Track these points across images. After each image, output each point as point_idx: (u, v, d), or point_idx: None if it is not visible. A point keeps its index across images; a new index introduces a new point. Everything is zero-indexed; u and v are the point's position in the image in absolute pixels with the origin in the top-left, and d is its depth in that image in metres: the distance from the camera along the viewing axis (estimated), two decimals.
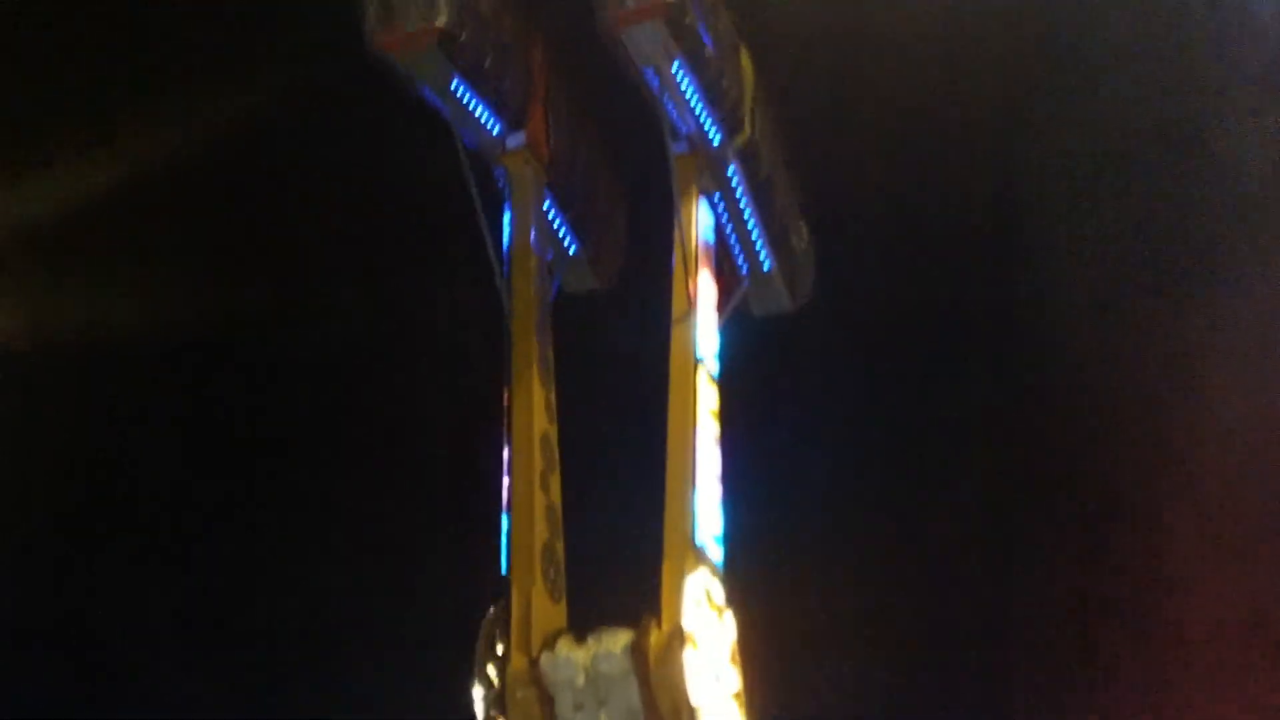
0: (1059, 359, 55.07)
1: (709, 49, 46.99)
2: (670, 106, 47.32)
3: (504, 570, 42.70)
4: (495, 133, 48.28)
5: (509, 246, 47.86)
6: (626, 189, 53.40)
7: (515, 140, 48.70)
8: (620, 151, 53.14)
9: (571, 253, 51.96)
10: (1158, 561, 52.25)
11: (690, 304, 46.57)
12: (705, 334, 46.82)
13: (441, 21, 44.80)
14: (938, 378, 56.30)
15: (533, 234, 48.00)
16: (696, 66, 46.48)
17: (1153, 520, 52.91)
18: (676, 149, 48.13)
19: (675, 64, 45.90)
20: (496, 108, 47.82)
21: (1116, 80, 53.59)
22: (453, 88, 46.35)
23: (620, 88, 47.31)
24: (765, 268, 51.06)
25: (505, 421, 44.82)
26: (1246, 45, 50.30)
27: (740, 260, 51.02)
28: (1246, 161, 51.30)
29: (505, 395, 45.29)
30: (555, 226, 50.92)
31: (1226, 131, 51.52)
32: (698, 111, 47.71)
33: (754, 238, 50.59)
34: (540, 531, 43.12)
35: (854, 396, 56.42)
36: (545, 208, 50.04)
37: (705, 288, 47.75)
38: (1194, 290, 53.54)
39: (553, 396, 45.97)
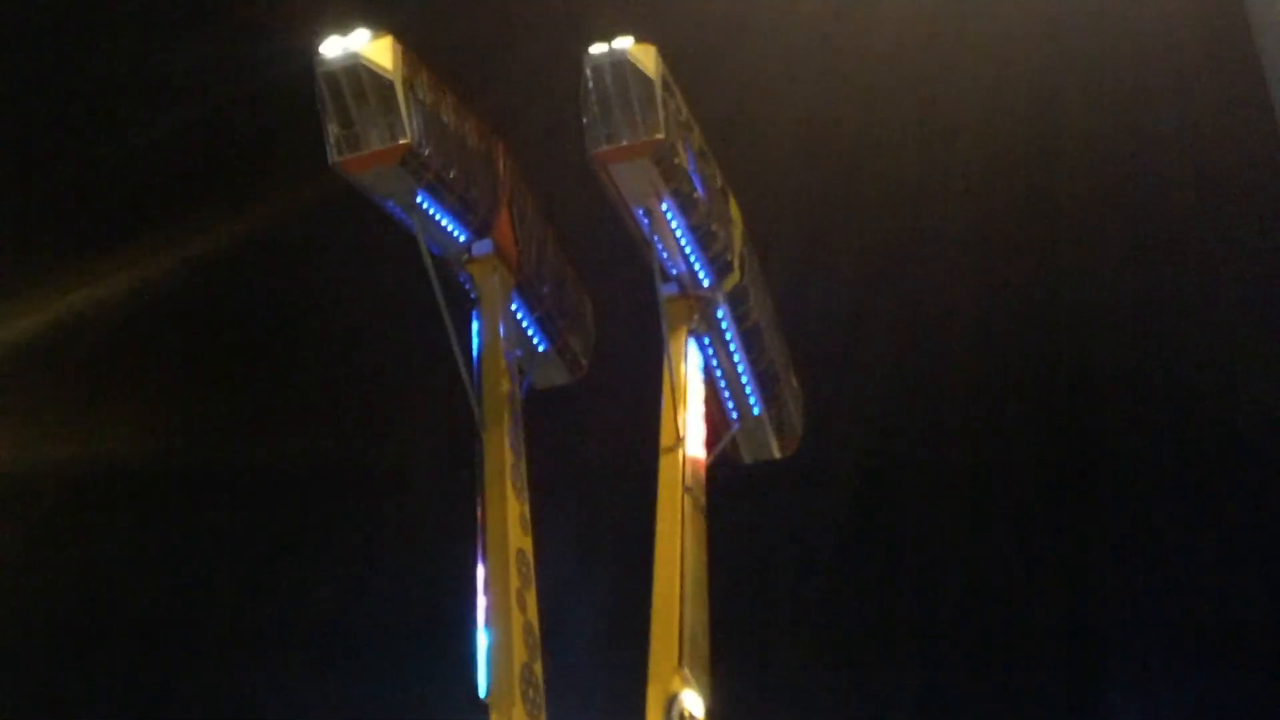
0: (1033, 510, 56.30)
1: (699, 192, 47.77)
2: (660, 247, 48.02)
3: (482, 693, 42.54)
4: (461, 241, 48.19)
5: (479, 353, 47.55)
6: (590, 284, 53.80)
7: (482, 247, 48.30)
8: (586, 245, 53.78)
9: (541, 350, 51.80)
10: None
11: (679, 437, 47.34)
12: (694, 464, 47.48)
13: (405, 140, 44.63)
14: (918, 522, 57.05)
15: (502, 340, 47.92)
16: (686, 207, 47.32)
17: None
18: (666, 290, 49.01)
19: (664, 203, 46.81)
20: (462, 217, 47.44)
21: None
22: (418, 201, 46.06)
23: (586, 186, 47.81)
24: (755, 411, 51.50)
25: (479, 537, 44.67)
26: None
27: (729, 404, 51.40)
28: None
29: (478, 508, 45.15)
30: (524, 326, 50.97)
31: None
32: (687, 252, 48.33)
33: (743, 381, 51.01)
34: (519, 653, 42.73)
35: (838, 536, 56.90)
36: (513, 308, 50.06)
37: (694, 422, 48.28)
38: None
39: (527, 509, 45.63)
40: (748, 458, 52.20)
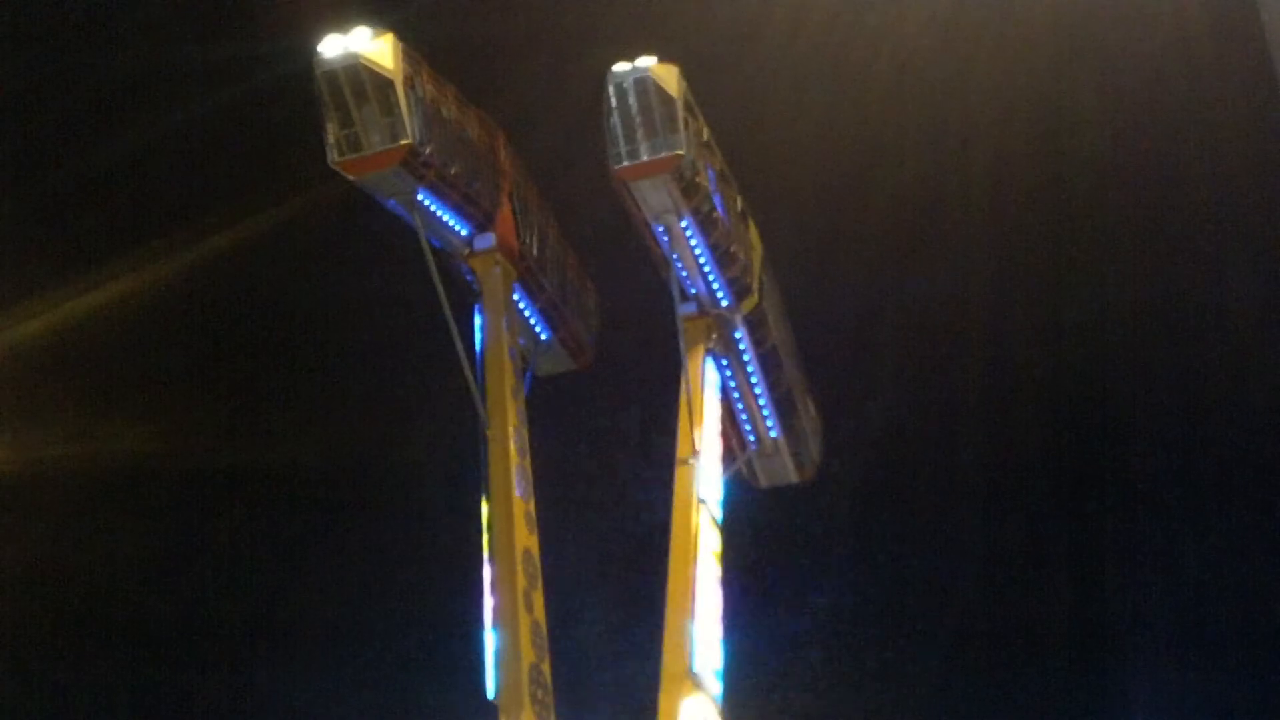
0: (1044, 512, 56.71)
1: (719, 213, 48.13)
2: (679, 265, 48.34)
3: (491, 695, 42.53)
4: (464, 235, 47.98)
5: (482, 349, 47.39)
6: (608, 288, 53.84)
7: (484, 241, 48.08)
8: (588, 230, 53.87)
9: (543, 339, 51.82)
10: None
11: (694, 450, 47.52)
12: (708, 477, 47.69)
13: (406, 140, 44.38)
14: (925, 540, 57.56)
15: (506, 337, 47.73)
16: (705, 226, 47.61)
17: None
18: (684, 310, 49.34)
19: (684, 220, 47.04)
20: (464, 212, 47.19)
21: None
22: (420, 199, 45.85)
23: (603, 193, 47.91)
24: (772, 435, 51.87)
25: (486, 537, 44.55)
26: None
27: (746, 427, 51.83)
28: None
29: (484, 508, 45.02)
30: (526, 316, 50.82)
31: None
32: (706, 271, 48.59)
33: (760, 404, 51.39)
34: (527, 653, 42.62)
35: (849, 538, 57.27)
36: (516, 298, 49.90)
37: (710, 436, 48.53)
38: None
39: (533, 508, 45.56)
40: (764, 482, 52.60)
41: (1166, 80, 48.95)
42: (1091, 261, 55.01)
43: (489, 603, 43.45)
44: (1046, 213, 54.95)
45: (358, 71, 44.01)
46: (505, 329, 47.74)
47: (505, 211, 49.04)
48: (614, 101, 45.21)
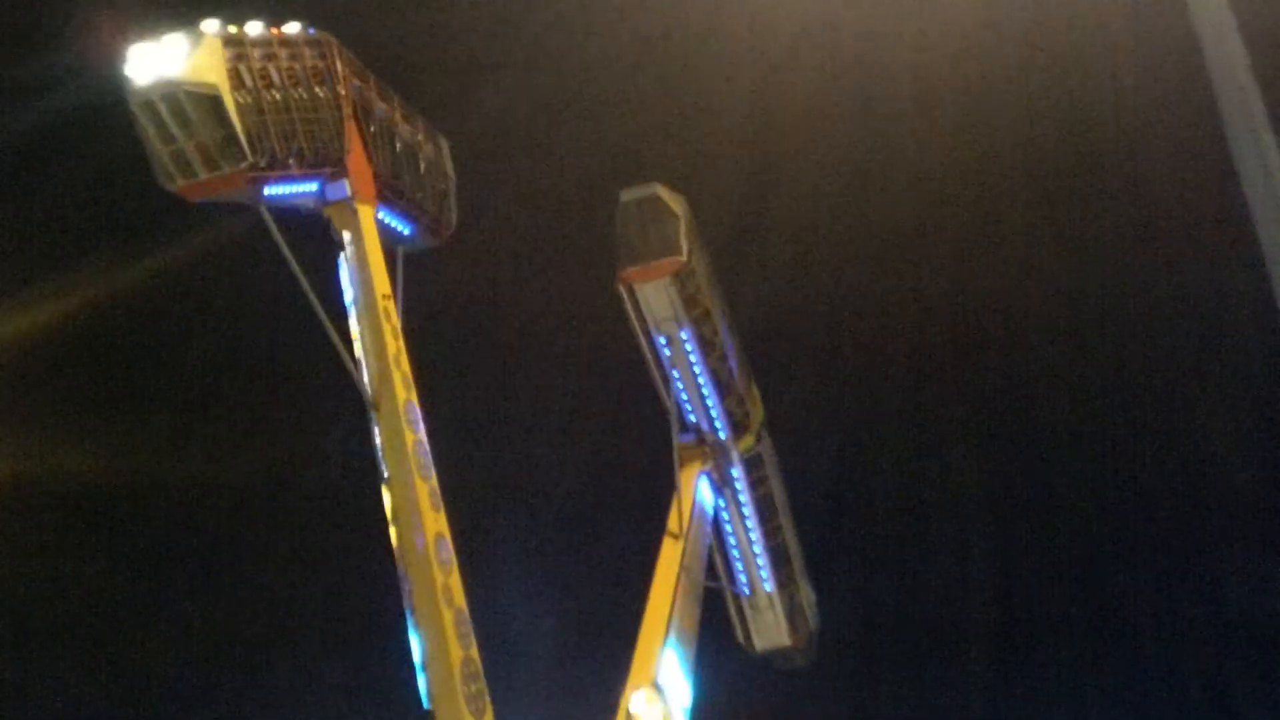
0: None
1: (727, 347, 48.63)
2: (679, 385, 48.57)
3: (426, 703, 41.96)
4: (316, 190, 44.18)
5: (357, 311, 44.16)
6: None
7: (336, 191, 44.37)
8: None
9: (407, 234, 48.92)
10: None
11: (681, 531, 48.07)
12: (694, 550, 48.36)
13: (246, 162, 40.09)
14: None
15: (380, 292, 44.65)
16: (705, 348, 48.06)
17: None
18: (682, 439, 49.49)
19: (685, 332, 47.38)
20: (313, 176, 43.41)
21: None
22: (267, 195, 42.00)
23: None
24: (766, 587, 52.01)
25: (393, 529, 42.82)
26: None
27: (741, 576, 52.29)
28: None
29: (385, 496, 43.13)
30: (388, 224, 47.59)
31: None
32: (705, 393, 48.89)
33: (755, 550, 51.69)
34: (455, 651, 41.85)
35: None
36: (378, 213, 46.66)
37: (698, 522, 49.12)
38: None
39: (435, 484, 43.72)
40: (759, 644, 52.71)
41: (1095, 73, 46.39)
42: (1016, 264, 52.94)
43: (408, 601, 42.49)
44: (976, 209, 52.59)
45: (179, 99, 39.25)
46: (375, 280, 44.79)
47: (354, 140, 45.11)
48: (622, 219, 46.58)
